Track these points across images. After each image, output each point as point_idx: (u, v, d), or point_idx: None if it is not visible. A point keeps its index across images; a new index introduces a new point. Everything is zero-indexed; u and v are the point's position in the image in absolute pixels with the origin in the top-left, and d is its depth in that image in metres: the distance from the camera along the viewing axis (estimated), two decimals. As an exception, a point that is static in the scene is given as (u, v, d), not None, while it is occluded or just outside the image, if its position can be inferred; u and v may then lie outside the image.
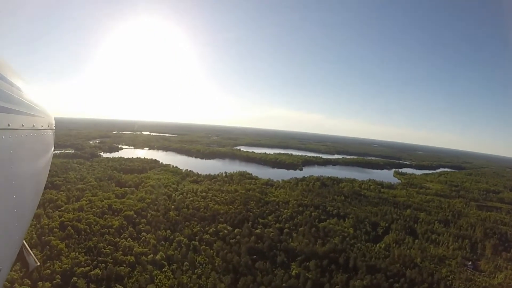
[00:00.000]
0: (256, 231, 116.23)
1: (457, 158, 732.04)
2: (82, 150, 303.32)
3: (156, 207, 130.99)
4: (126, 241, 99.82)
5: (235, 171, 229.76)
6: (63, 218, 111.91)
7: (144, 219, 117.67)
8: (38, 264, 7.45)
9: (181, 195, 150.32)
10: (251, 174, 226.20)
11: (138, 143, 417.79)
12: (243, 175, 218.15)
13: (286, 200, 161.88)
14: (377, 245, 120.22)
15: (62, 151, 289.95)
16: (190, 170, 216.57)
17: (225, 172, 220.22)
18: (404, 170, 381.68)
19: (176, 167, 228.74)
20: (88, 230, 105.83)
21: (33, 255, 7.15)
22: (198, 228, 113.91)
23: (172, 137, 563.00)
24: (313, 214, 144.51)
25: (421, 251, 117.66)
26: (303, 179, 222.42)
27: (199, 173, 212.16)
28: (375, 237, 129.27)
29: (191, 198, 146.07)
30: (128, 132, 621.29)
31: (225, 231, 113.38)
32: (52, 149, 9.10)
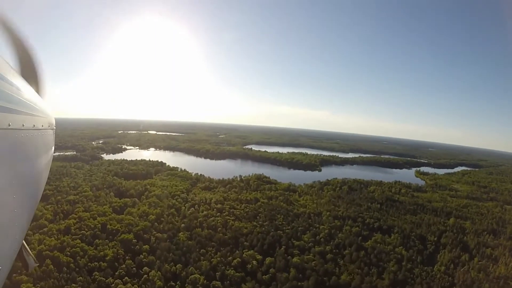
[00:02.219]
0: (294, 259, 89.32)
1: (470, 155, 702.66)
2: (82, 152, 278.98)
3: (161, 226, 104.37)
4: (122, 282, 73.34)
5: (251, 174, 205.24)
6: (42, 246, 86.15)
7: (146, 245, 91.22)
8: (38, 264, 8.20)
9: (192, 208, 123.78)
10: (269, 177, 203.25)
11: (143, 143, 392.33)
12: (260, 179, 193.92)
13: (317, 211, 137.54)
14: (435, 267, 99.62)
15: (61, 153, 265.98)
16: (200, 174, 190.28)
17: (240, 176, 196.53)
18: (424, 169, 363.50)
19: (184, 170, 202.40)
20: (72, 265, 79.70)
21: (32, 255, 7.09)
22: (218, 259, 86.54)
23: (179, 136, 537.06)
24: (353, 229, 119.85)
25: (483, 271, 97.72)
26: (328, 182, 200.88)
27: (211, 177, 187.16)
28: (429, 256, 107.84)
29: (204, 213, 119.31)
30: (133, 132, 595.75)
31: (254, 261, 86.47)
32: (53, 149, 8.54)
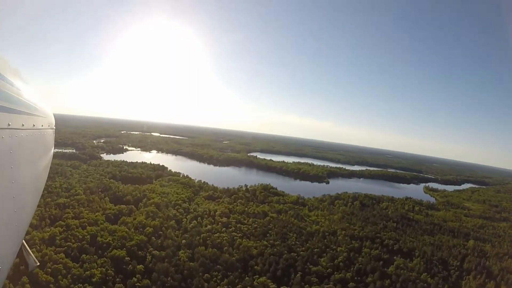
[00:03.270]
0: (312, 289, 75.97)
1: (474, 172, 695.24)
2: (82, 150, 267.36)
3: (159, 241, 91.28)
4: (108, 313, 60.16)
5: (257, 184, 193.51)
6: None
7: (141, 265, 78.12)
8: (38, 264, 7.33)
9: (195, 221, 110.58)
10: (276, 188, 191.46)
11: (145, 145, 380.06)
12: (267, 189, 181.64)
13: (331, 229, 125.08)
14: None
15: (60, 150, 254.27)
16: (204, 182, 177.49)
17: (246, 185, 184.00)
18: (431, 184, 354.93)
19: (187, 176, 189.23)
20: (52, 285, 66.86)
21: (33, 255, 7.05)
22: (225, 287, 73.39)
23: (182, 139, 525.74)
24: (373, 252, 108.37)
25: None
26: (338, 196, 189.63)
27: (215, 185, 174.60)
28: (454, 284, 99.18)
29: (208, 227, 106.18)
30: (136, 133, 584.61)
31: (267, 292, 73.14)
32: (52, 149, 8.63)
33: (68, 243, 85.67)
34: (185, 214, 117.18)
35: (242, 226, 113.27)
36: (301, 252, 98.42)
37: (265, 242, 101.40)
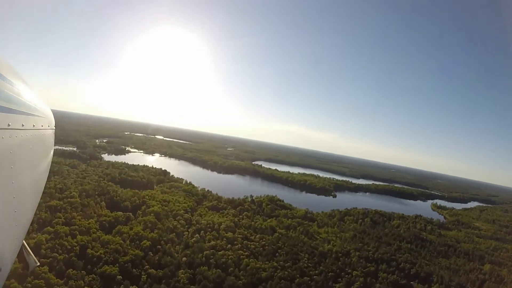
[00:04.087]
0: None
1: (479, 189, 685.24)
2: (83, 149, 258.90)
3: (157, 257, 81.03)
4: None
5: (262, 195, 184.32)
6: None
7: (134, 286, 67.82)
8: (38, 264, 7.42)
9: (197, 235, 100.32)
10: (283, 200, 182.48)
11: (148, 147, 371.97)
12: (273, 202, 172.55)
13: (344, 249, 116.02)
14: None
15: (60, 148, 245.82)
16: (208, 190, 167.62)
17: (251, 196, 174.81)
18: (438, 201, 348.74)
19: (190, 183, 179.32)
20: (27, 306, 56.87)
21: (33, 255, 7.18)
22: (230, 320, 63.16)
23: (186, 144, 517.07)
24: (390, 277, 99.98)
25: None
26: (348, 212, 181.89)
27: (219, 194, 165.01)
28: None
29: (212, 243, 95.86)
30: (140, 135, 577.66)
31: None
32: (52, 149, 8.64)
33: (55, 253, 75.78)
34: (186, 226, 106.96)
35: (249, 243, 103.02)
36: (314, 277, 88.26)
37: (275, 263, 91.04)
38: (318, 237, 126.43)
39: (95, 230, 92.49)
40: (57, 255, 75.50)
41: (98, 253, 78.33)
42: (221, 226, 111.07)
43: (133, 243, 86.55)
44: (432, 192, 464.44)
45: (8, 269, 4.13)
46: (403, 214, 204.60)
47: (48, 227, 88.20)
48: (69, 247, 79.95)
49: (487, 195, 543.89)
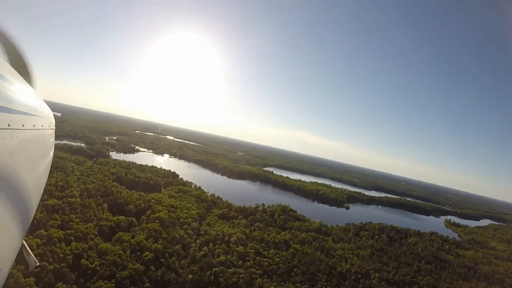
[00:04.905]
0: None
1: (490, 206, 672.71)
2: (91, 145, 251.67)
3: (159, 273, 71.21)
4: None
5: (274, 204, 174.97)
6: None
7: (130, 308, 58.11)
8: (38, 264, 7.31)
9: (206, 247, 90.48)
10: (295, 211, 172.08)
11: (158, 148, 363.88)
12: (286, 212, 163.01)
13: (363, 270, 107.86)
14: None
15: (67, 143, 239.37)
16: (218, 196, 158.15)
17: (263, 205, 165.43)
18: (451, 218, 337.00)
19: (199, 188, 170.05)
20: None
21: (33, 255, 7.07)
22: None
23: (196, 146, 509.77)
24: None
25: None
26: (363, 227, 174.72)
27: (229, 201, 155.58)
28: None
29: (222, 258, 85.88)
30: (150, 134, 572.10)
31: None
32: (53, 148, 8.62)
33: (44, 262, 66.50)
34: (194, 237, 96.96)
35: (262, 259, 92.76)
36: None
37: (291, 286, 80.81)
38: (334, 254, 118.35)
39: (93, 236, 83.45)
40: (47, 264, 66.36)
41: (94, 265, 68.93)
42: (231, 239, 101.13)
43: (133, 255, 76.99)
44: (444, 207, 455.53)
45: (8, 269, 3.98)
46: (419, 231, 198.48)
47: (42, 230, 79.27)
48: (62, 255, 70.77)
49: (499, 213, 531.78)
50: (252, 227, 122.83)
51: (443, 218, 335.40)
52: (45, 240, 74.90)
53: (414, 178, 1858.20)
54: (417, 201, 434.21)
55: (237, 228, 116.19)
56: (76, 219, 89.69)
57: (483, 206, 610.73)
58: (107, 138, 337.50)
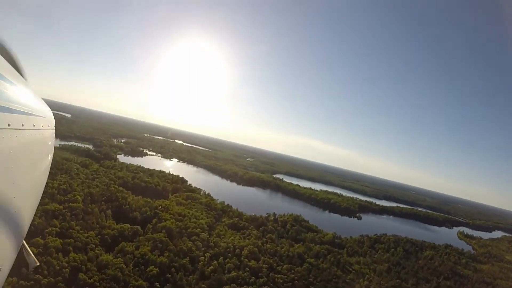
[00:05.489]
0: None
1: (502, 217, 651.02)
2: (98, 147, 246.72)
3: (165, 291, 64.10)
4: None
5: (286, 213, 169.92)
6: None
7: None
8: (38, 264, 7.17)
9: (215, 261, 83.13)
10: (308, 221, 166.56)
11: (167, 152, 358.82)
12: (298, 222, 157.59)
13: (382, 287, 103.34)
14: None
15: (75, 144, 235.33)
16: (227, 205, 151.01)
17: (274, 214, 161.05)
18: (463, 229, 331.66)
19: (208, 195, 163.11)
20: None
21: (33, 255, 6.94)
22: None
23: (205, 151, 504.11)
24: None
25: None
26: (378, 239, 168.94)
27: (239, 209, 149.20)
28: None
29: (233, 274, 78.54)
30: (160, 138, 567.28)
31: None
32: (53, 149, 8.51)
33: (38, 275, 59.99)
34: (203, 249, 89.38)
35: (276, 275, 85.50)
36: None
37: (309, 309, 73.06)
38: (350, 269, 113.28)
39: (94, 245, 76.70)
40: (41, 277, 59.89)
41: (92, 280, 62.21)
42: (243, 252, 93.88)
43: (137, 269, 70.02)
44: (456, 218, 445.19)
45: (8, 269, 3.97)
46: (434, 243, 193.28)
47: (39, 238, 72.95)
48: (58, 267, 64.22)
49: (510, 224, 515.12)
50: (264, 239, 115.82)
51: (455, 229, 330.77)
52: (41, 250, 68.51)
53: (421, 187, 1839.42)
54: (429, 211, 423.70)
55: (248, 239, 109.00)
56: (76, 227, 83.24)
57: (494, 217, 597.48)
58: (115, 140, 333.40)
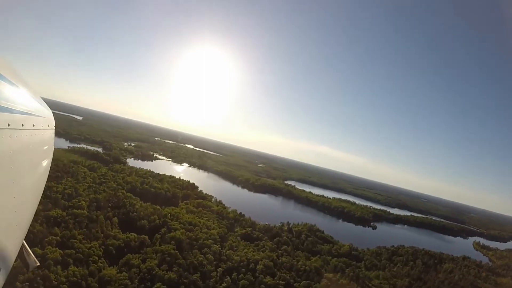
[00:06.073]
0: None
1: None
2: (108, 150, 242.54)
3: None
4: None
5: (300, 223, 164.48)
6: None
7: None
8: (38, 264, 7.12)
9: (229, 278, 75.97)
10: (323, 231, 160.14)
11: (178, 156, 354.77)
12: (312, 232, 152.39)
13: None
14: None
15: (84, 147, 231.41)
16: (240, 213, 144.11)
17: (288, 224, 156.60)
18: (479, 239, 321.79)
19: (220, 202, 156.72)
20: None
21: (33, 255, 6.85)
22: None
23: (216, 156, 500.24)
24: None
25: None
26: (395, 251, 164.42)
27: (252, 217, 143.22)
28: None
29: (249, 293, 71.25)
30: (170, 142, 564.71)
31: None
32: (53, 149, 8.33)
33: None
34: (215, 263, 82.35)
35: (294, 294, 77.87)
36: None
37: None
38: (370, 285, 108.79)
39: (97, 257, 70.24)
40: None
41: (92, 299, 55.40)
42: (257, 266, 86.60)
43: (142, 286, 63.23)
44: (470, 227, 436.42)
45: (8, 269, 3.97)
46: (452, 255, 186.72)
47: (37, 248, 66.85)
48: (56, 282, 57.97)
49: None
50: (279, 251, 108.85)
51: (470, 239, 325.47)
52: (38, 261, 62.00)
53: (431, 194, 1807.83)
54: (443, 221, 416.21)
55: (262, 252, 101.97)
56: (79, 236, 77.14)
57: (507, 226, 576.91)
58: (125, 144, 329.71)
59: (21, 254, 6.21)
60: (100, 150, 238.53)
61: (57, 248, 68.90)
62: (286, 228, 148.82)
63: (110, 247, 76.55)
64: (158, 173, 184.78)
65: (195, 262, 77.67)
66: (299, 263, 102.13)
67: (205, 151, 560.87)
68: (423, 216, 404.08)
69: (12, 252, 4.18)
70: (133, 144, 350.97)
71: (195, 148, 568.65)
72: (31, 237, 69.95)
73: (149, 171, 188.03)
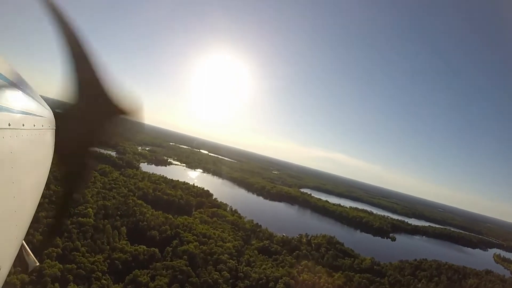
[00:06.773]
0: None
1: None
2: (121, 154, 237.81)
3: None
4: None
5: (318, 234, 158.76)
6: None
7: None
8: (38, 264, 6.94)
9: (246, 299, 68.07)
10: (343, 244, 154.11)
11: (192, 162, 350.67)
12: (332, 244, 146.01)
13: None
14: None
15: (96, 150, 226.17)
16: (257, 224, 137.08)
17: (307, 236, 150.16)
18: (499, 251, 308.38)
19: (235, 211, 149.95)
20: None
21: (32, 255, 6.73)
22: None
23: (231, 162, 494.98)
24: None
25: None
26: (418, 265, 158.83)
27: (269, 228, 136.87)
28: None
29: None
30: (185, 147, 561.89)
31: None
32: (53, 149, 7.38)
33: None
34: (231, 281, 74.70)
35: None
36: None
37: None
38: None
39: (101, 274, 63.07)
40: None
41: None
42: (277, 285, 78.32)
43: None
44: (489, 239, 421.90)
45: (7, 269, 3.86)
46: (476, 270, 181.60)
47: (35, 264, 59.76)
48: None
49: None
50: (300, 267, 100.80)
51: (490, 251, 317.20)
52: (34, 277, 55.53)
53: (446, 204, 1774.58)
54: (462, 231, 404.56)
55: (282, 268, 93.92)
56: (82, 248, 70.30)
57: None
58: (139, 148, 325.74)
59: (20, 254, 6.05)
60: (113, 153, 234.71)
61: (56, 262, 62.14)
62: (304, 240, 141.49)
63: (116, 262, 69.62)
64: (172, 179, 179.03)
65: (210, 280, 70.10)
66: (321, 280, 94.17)
67: (220, 156, 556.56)
68: (441, 227, 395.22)
69: (11, 252, 4.07)
70: (147, 148, 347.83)
71: (209, 154, 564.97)
72: (31, 248, 63.52)
73: (162, 176, 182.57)
